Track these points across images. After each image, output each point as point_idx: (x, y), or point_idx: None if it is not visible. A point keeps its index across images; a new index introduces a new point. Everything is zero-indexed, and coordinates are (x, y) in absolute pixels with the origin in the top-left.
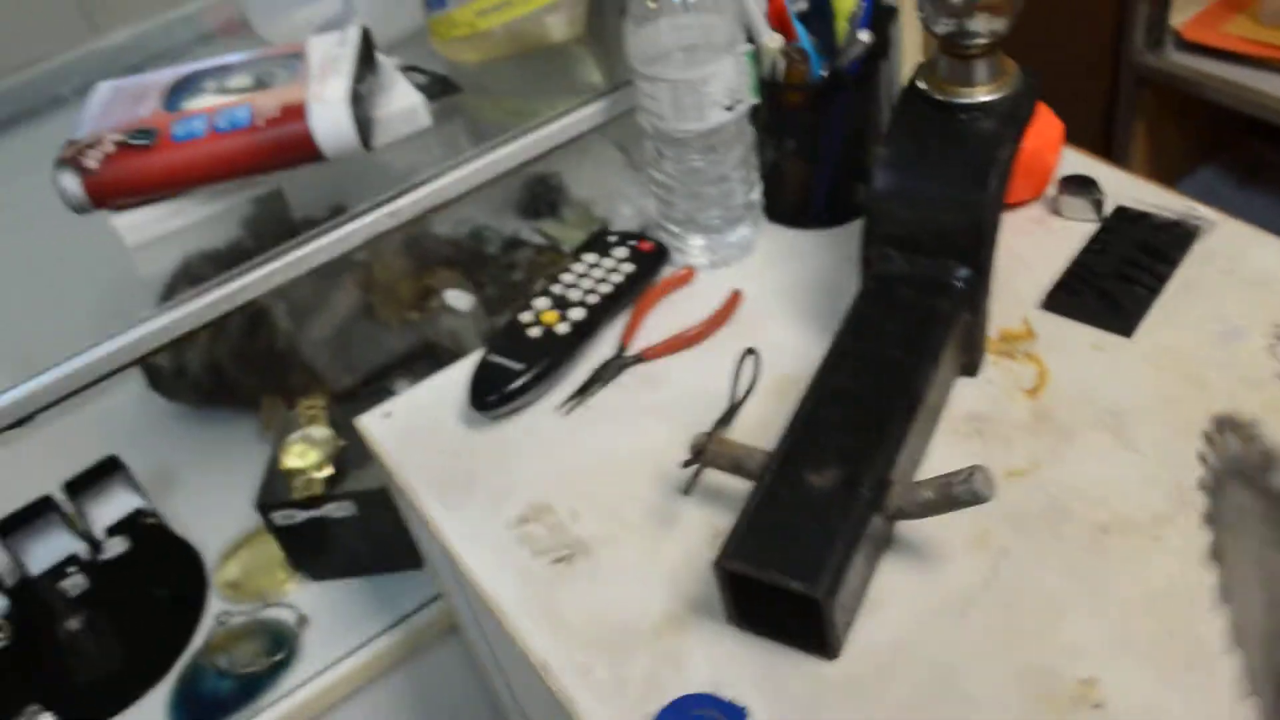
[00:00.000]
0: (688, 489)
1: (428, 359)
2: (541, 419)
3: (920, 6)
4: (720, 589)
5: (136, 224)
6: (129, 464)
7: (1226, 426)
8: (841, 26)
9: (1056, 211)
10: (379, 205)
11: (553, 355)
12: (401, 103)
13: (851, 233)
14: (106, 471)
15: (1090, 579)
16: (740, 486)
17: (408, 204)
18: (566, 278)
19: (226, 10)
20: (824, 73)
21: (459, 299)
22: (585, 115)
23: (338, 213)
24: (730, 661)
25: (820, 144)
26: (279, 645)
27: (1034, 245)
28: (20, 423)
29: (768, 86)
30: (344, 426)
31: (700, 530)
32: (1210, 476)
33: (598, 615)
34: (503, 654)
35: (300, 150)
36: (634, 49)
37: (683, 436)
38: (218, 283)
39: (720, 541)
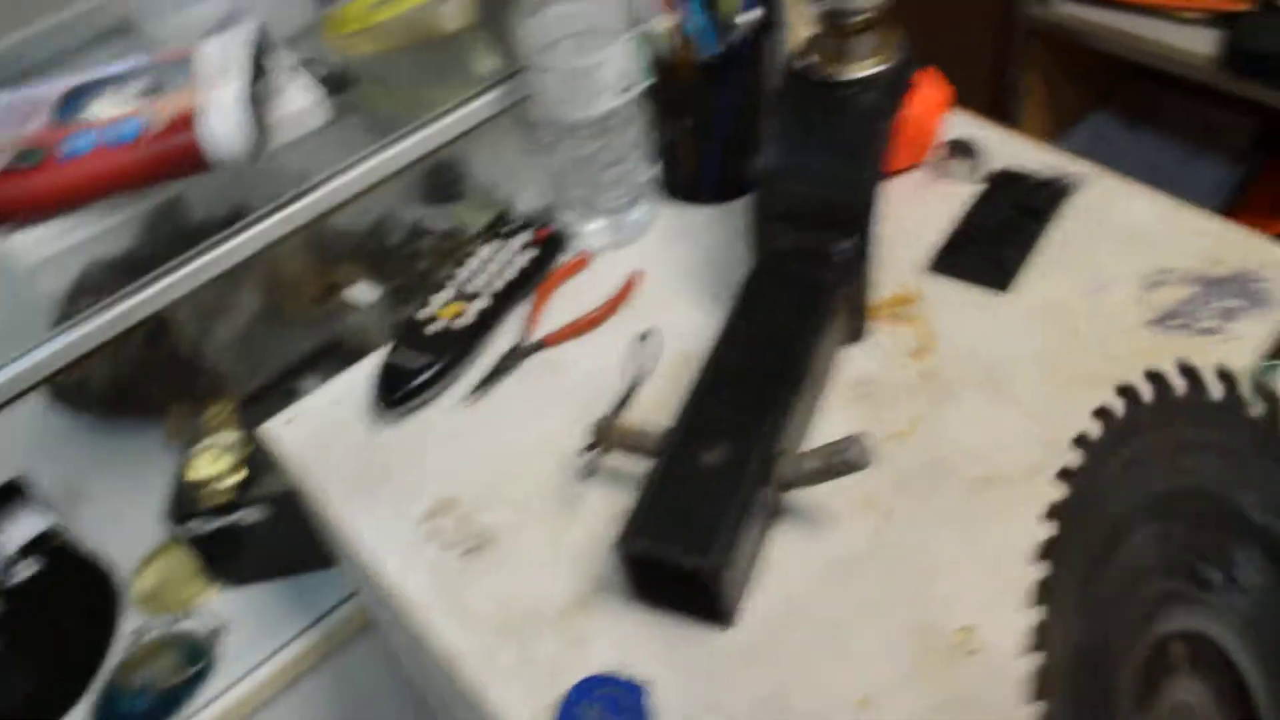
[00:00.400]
0: (588, 474)
1: (336, 355)
2: (446, 413)
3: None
4: (621, 569)
5: (31, 244)
6: (36, 481)
7: None
8: (730, 3)
9: (940, 175)
10: (280, 209)
11: (455, 349)
12: (297, 102)
13: (742, 208)
14: (11, 495)
15: (968, 533)
16: (641, 467)
17: (308, 205)
18: (465, 270)
19: (115, 11)
20: (715, 50)
21: (364, 293)
22: (483, 104)
23: (239, 213)
24: (633, 637)
25: (713, 122)
26: (197, 657)
27: (918, 209)
28: None
29: (660, 67)
30: (253, 428)
31: (603, 512)
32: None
33: (506, 603)
34: (416, 647)
35: (190, 162)
36: (524, 39)
37: (586, 421)
38: (117, 299)
39: (620, 523)
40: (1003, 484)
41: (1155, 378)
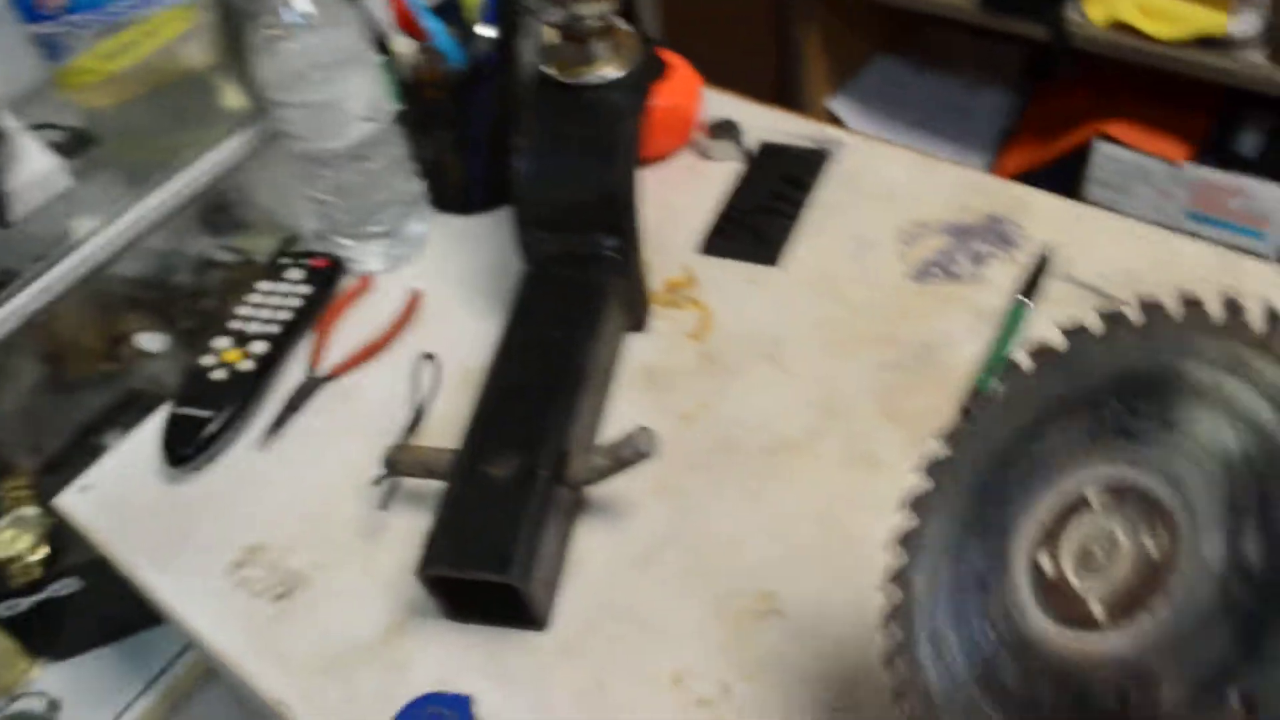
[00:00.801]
0: (384, 504)
1: (137, 407)
2: (242, 458)
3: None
4: (429, 593)
5: None
6: None
7: None
8: (473, 16)
9: (705, 156)
10: (40, 275)
11: (241, 394)
12: (36, 169)
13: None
14: None
15: (760, 502)
16: (440, 486)
17: (71, 268)
18: (244, 311)
19: None
20: (462, 64)
21: (152, 341)
22: (240, 142)
23: None
24: (453, 654)
25: (471, 133)
26: None
27: (688, 193)
28: None
29: (408, 88)
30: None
31: (408, 537)
32: None
33: (324, 642)
34: (247, 696)
35: None
36: (265, 77)
37: (380, 448)
38: None
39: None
40: (787, 451)
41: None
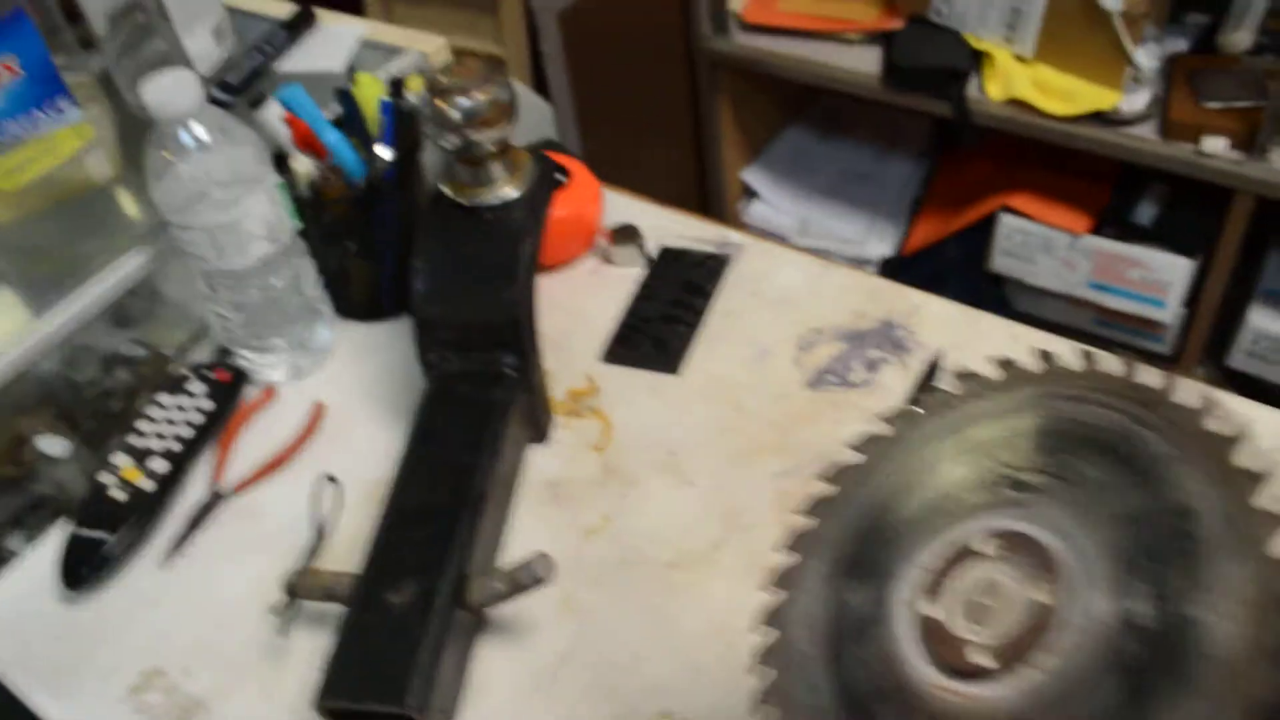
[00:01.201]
0: (284, 630)
1: (39, 511)
2: (142, 578)
3: (424, 125)
4: None
5: None
6: None
7: None
8: (373, 128)
9: (608, 261)
10: None
11: (141, 514)
12: None
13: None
14: None
15: (661, 618)
16: (341, 610)
17: None
18: (144, 426)
19: None
20: (360, 179)
21: (53, 445)
22: (143, 257)
23: None
24: None
25: (376, 244)
26: None
27: (592, 298)
28: None
29: (309, 203)
30: None
31: (310, 659)
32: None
33: None
34: None
35: None
36: (161, 200)
37: (285, 566)
38: None
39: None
40: (689, 565)
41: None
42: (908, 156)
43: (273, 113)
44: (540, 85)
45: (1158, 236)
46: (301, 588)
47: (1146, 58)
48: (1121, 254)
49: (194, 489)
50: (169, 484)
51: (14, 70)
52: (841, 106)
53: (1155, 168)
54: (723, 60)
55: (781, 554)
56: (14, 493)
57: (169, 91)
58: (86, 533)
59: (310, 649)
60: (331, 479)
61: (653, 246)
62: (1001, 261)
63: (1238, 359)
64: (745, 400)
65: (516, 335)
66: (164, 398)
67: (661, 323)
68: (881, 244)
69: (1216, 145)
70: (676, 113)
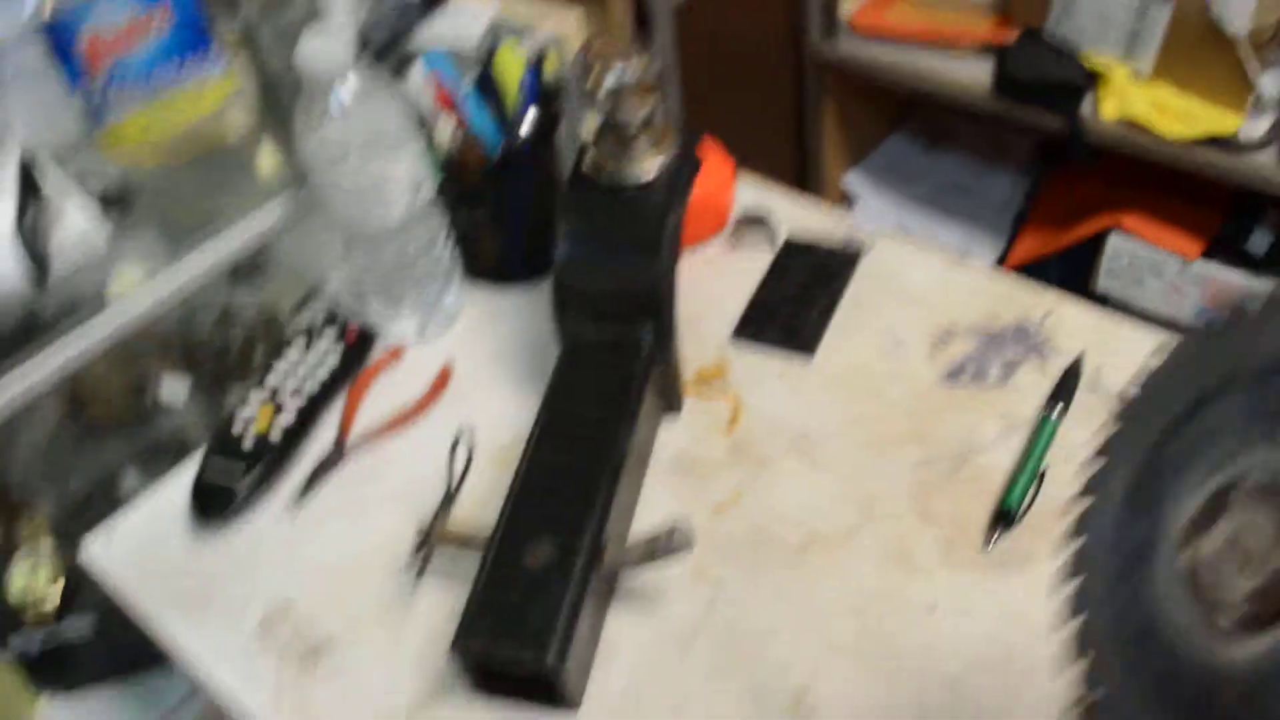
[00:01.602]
0: (418, 575)
1: (155, 453)
2: (271, 520)
3: (571, 100)
4: (461, 668)
5: None
6: None
7: None
8: (511, 100)
9: (737, 246)
10: (76, 332)
11: (270, 458)
12: (75, 227)
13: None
14: None
15: (795, 596)
16: (472, 565)
17: (107, 326)
18: (276, 373)
19: None
20: (497, 148)
21: (174, 391)
22: (278, 209)
23: (28, 328)
24: None
25: (509, 211)
26: None
27: (720, 281)
28: None
29: (448, 166)
30: (72, 537)
31: (439, 610)
32: None
33: (351, 709)
34: None
35: None
36: (308, 155)
37: (412, 520)
38: None
39: (457, 620)
40: (822, 547)
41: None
42: (1010, 172)
43: (416, 78)
44: None
45: (1271, 265)
46: (435, 537)
47: (1271, 83)
48: (1234, 281)
49: (321, 440)
50: (298, 432)
51: (168, 19)
52: (945, 119)
53: (1272, 195)
54: (831, 65)
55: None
56: (133, 436)
57: (324, 50)
58: (217, 472)
59: (437, 602)
60: (464, 437)
61: (782, 235)
62: (1107, 283)
63: None
64: (880, 390)
65: (657, 307)
66: (296, 349)
67: (793, 307)
68: (980, 259)
69: None
70: (780, 115)
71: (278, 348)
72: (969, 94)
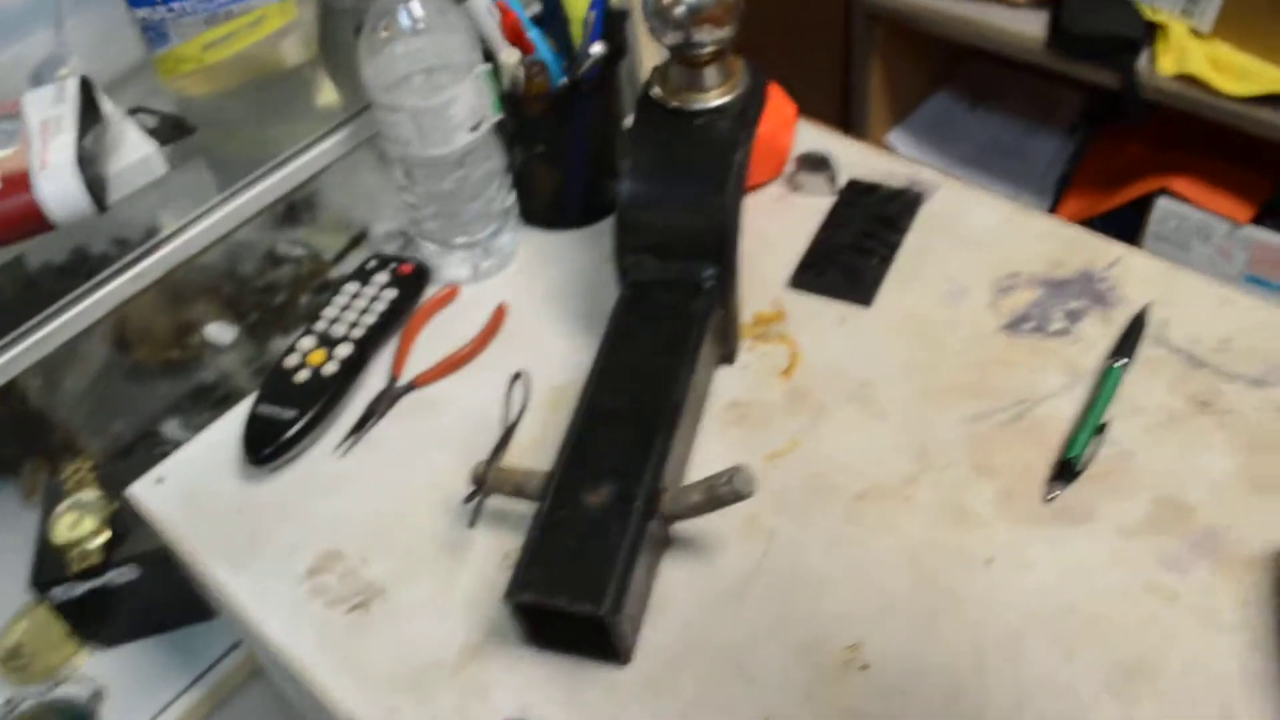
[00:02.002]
0: (472, 521)
1: (199, 398)
2: (321, 462)
3: (646, 19)
4: (513, 618)
5: None
6: None
7: None
8: (576, 31)
9: (796, 189)
10: (131, 265)
11: (323, 397)
12: (134, 154)
13: (606, 230)
14: None
15: (850, 547)
16: (525, 507)
17: (162, 258)
18: (329, 312)
19: None
20: (563, 81)
21: (221, 332)
22: (334, 142)
23: (80, 258)
24: (532, 682)
25: (568, 148)
26: None
27: (778, 225)
28: None
29: (510, 99)
30: (117, 485)
31: (491, 556)
32: None
33: (400, 656)
34: (310, 704)
35: (30, 223)
36: (371, 77)
37: (464, 462)
38: None
39: (511, 566)
40: (879, 497)
41: None
42: (1056, 133)
43: (482, 3)
44: None
45: None
46: (491, 481)
47: None
48: None
49: (375, 380)
50: (351, 370)
51: None
52: (991, 76)
53: None
54: (881, 13)
55: None
56: (178, 378)
57: None
58: (270, 411)
59: (490, 547)
60: (520, 376)
61: (842, 179)
62: (1153, 246)
63: None
64: (940, 339)
65: (720, 245)
66: (349, 287)
67: (853, 253)
68: None
69: None
70: (826, 72)
71: (327, 290)
72: (1023, 46)
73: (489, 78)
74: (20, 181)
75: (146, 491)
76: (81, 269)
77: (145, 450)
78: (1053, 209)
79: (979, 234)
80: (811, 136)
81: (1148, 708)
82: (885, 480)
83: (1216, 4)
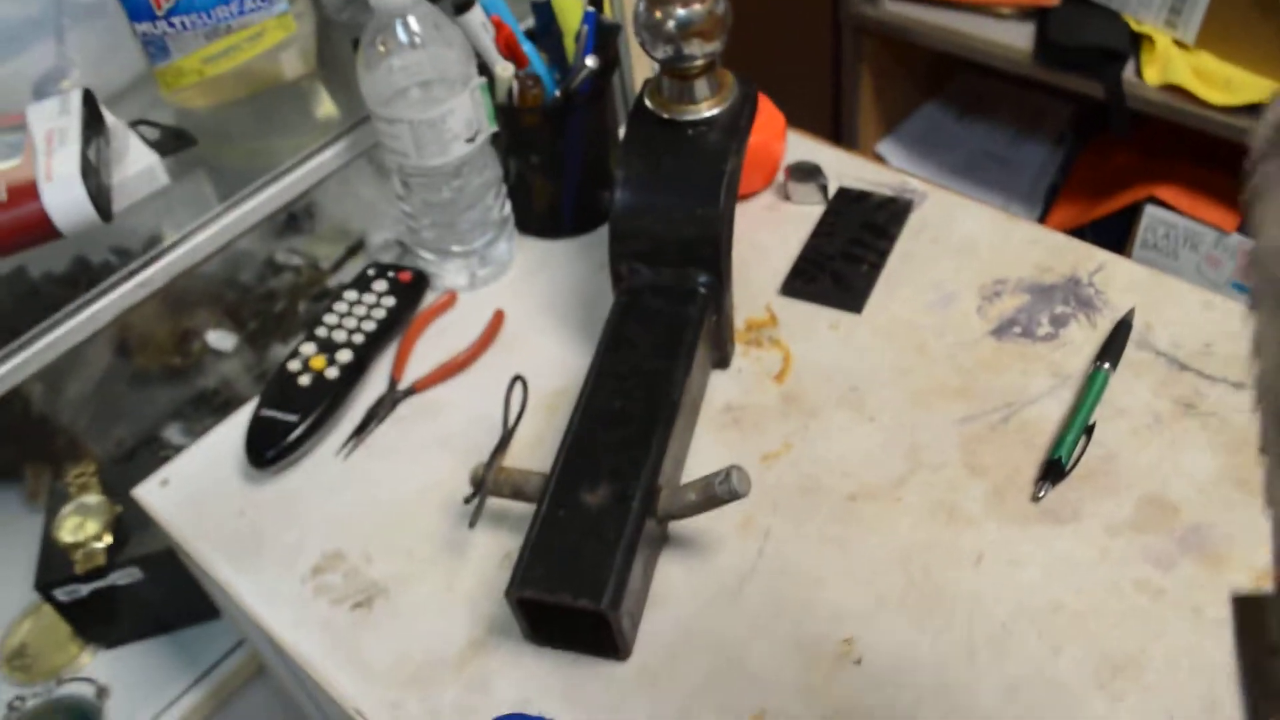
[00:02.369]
0: (472, 521)
1: (200, 404)
2: (323, 464)
3: (637, 33)
4: (515, 614)
5: None
6: None
7: None
8: (570, 45)
9: (787, 198)
10: (134, 273)
11: (325, 401)
12: (137, 165)
13: (601, 238)
14: None
15: (843, 546)
16: (524, 508)
17: (164, 267)
18: (329, 319)
19: None
20: (557, 93)
21: (221, 339)
22: (333, 154)
23: (81, 268)
24: (533, 677)
25: (562, 159)
26: None
27: (770, 233)
28: None
29: (505, 111)
30: (120, 488)
31: (491, 555)
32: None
33: (403, 653)
34: (317, 699)
35: (36, 232)
36: (368, 91)
37: (464, 464)
38: None
39: (511, 565)
40: (871, 497)
41: None
42: (1044, 142)
43: (476, 18)
44: None
45: None
46: (490, 482)
47: None
48: None
49: (375, 385)
50: (352, 375)
51: None
52: (980, 86)
53: None
54: (870, 26)
55: None
56: (179, 384)
57: None
58: (273, 414)
59: (490, 547)
60: (520, 380)
61: (832, 188)
62: (1141, 254)
63: None
64: (928, 343)
65: (714, 253)
66: (350, 294)
67: (842, 260)
68: None
69: None
70: (817, 81)
71: (325, 298)
72: (1010, 57)
73: (484, 90)
74: (27, 192)
75: (152, 493)
76: (82, 278)
77: (147, 454)
78: (1042, 218)
79: (966, 241)
80: (802, 146)
81: (1134, 700)
82: (877, 481)
83: (1200, 15)
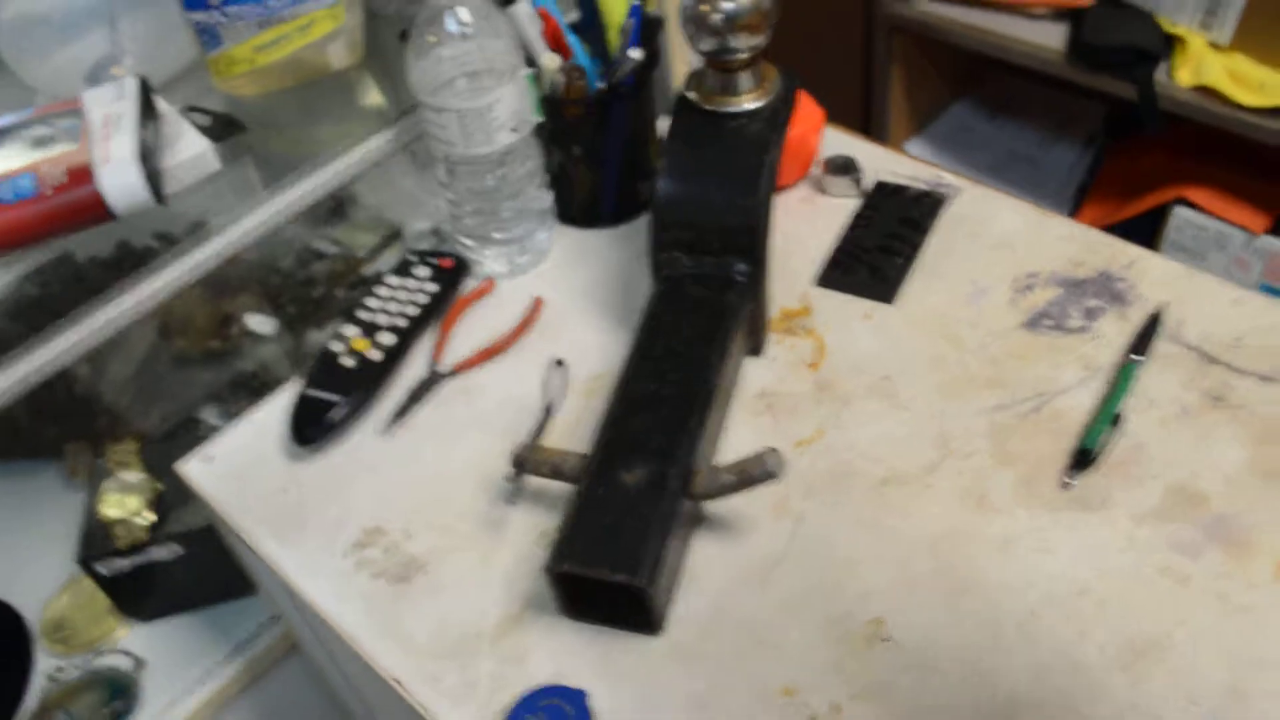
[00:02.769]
0: (512, 499)
1: (238, 387)
2: (364, 444)
3: (683, 26)
4: (552, 589)
5: None
6: None
7: None
8: (613, 38)
9: (823, 190)
10: (181, 257)
11: (368, 382)
12: (189, 150)
13: (639, 229)
14: None
15: (875, 529)
16: (561, 488)
17: (210, 252)
18: (372, 303)
19: None
20: (600, 85)
21: (261, 323)
22: (379, 142)
23: (125, 250)
24: (568, 651)
25: (603, 150)
26: (118, 694)
27: (806, 225)
28: None
29: (549, 102)
30: (160, 466)
31: (528, 532)
32: None
33: (441, 626)
34: (353, 671)
35: (92, 213)
36: (417, 80)
37: (502, 444)
38: (17, 355)
39: (548, 542)
40: (902, 483)
41: None
42: (1075, 143)
43: (524, 9)
44: None
45: None
46: (530, 461)
47: None
48: None
49: (415, 367)
50: (394, 357)
51: None
52: (1011, 87)
53: None
54: (902, 25)
55: None
56: (218, 367)
57: None
58: (316, 394)
59: (527, 525)
60: (560, 362)
61: (867, 181)
62: (1170, 255)
63: None
64: (961, 335)
65: (752, 242)
66: (392, 279)
67: (877, 253)
68: None
69: None
70: (848, 79)
71: (362, 285)
72: (1042, 57)
73: (530, 81)
74: (84, 174)
75: (197, 469)
76: (126, 262)
77: (186, 434)
78: (1071, 218)
79: (1000, 236)
80: (838, 141)
81: (1158, 684)
82: (908, 468)
83: (1235, 16)
